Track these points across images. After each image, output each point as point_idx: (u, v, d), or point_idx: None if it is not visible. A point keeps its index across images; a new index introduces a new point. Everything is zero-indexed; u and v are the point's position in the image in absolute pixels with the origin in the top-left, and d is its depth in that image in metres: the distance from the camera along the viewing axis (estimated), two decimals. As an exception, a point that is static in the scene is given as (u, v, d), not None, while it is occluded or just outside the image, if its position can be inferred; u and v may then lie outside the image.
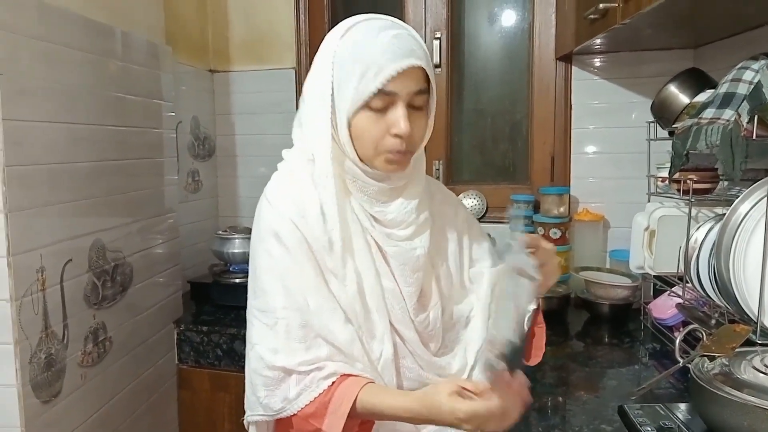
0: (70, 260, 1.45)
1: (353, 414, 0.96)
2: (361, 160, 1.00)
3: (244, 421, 1.08)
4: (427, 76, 0.99)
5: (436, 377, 1.09)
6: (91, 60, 1.53)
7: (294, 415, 0.98)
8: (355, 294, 1.02)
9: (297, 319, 0.99)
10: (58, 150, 1.41)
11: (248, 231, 2.17)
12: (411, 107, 0.98)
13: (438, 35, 2.35)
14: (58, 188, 1.41)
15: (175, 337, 1.96)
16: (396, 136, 0.97)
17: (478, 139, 2.48)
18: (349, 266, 1.02)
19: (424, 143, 1.06)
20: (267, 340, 1.00)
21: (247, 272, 1.98)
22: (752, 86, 1.30)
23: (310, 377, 0.98)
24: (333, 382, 0.98)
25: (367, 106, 0.96)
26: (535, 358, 1.14)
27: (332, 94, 0.98)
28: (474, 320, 1.14)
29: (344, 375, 0.99)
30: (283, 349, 0.99)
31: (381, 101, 0.95)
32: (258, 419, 1.04)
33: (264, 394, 1.00)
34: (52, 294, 1.39)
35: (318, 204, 1.01)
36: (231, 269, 2.15)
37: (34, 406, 1.33)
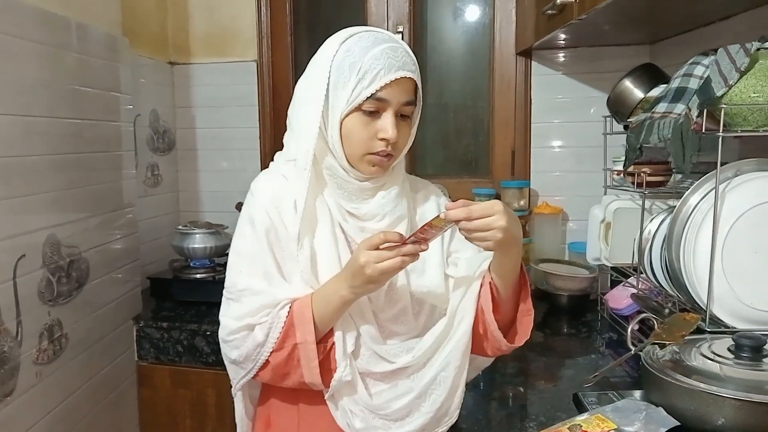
0: (23, 256, 1.41)
1: (315, 322, 1.05)
2: (347, 160, 1.07)
3: (233, 393, 1.18)
4: (416, 88, 1.08)
5: (389, 363, 1.10)
6: (45, 52, 1.50)
7: (271, 353, 1.06)
8: (314, 283, 1.08)
9: (257, 297, 1.08)
10: (11, 143, 1.38)
11: (209, 226, 2.15)
12: (399, 116, 1.07)
13: (400, 29, 2.36)
14: (11, 182, 1.38)
15: (135, 333, 1.93)
16: (383, 140, 1.05)
17: (441, 134, 2.50)
18: (305, 258, 1.07)
19: (406, 149, 1.14)
20: (231, 311, 1.10)
21: (208, 267, 1.99)
22: (702, 81, 1.33)
23: (269, 318, 1.06)
24: (289, 308, 1.07)
25: (359, 108, 1.04)
26: (518, 340, 1.14)
27: (326, 95, 1.05)
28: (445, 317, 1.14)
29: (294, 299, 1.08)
30: (245, 315, 1.08)
31: (373, 106, 1.04)
32: (242, 382, 1.13)
33: (236, 354, 1.09)
34: (5, 290, 1.36)
35: (292, 196, 1.08)
36: (192, 265, 2.13)
37: (-13, 405, 1.30)
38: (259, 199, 1.11)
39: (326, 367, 1.07)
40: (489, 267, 1.11)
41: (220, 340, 1.13)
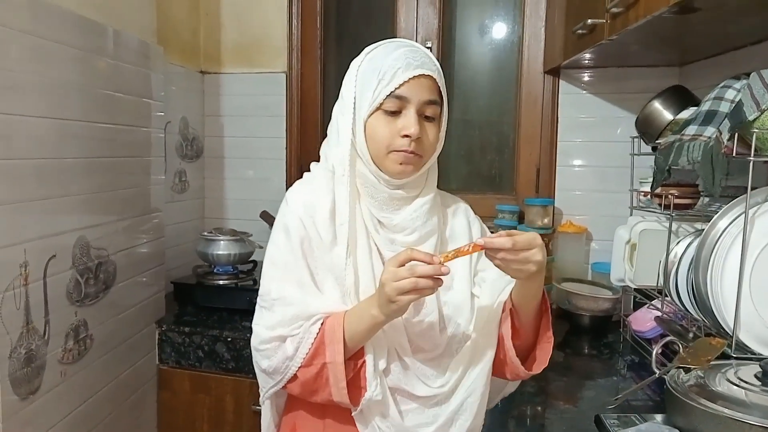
0: (54, 256, 1.44)
1: (345, 340, 1.04)
2: (373, 162, 1.09)
3: (260, 401, 1.19)
4: (439, 90, 1.10)
5: (420, 382, 1.11)
6: (81, 57, 1.53)
7: (299, 368, 1.06)
8: (350, 293, 1.08)
9: (290, 307, 1.08)
10: (46, 145, 1.41)
11: (233, 233, 2.17)
12: (423, 116, 1.08)
13: (429, 44, 2.37)
14: (45, 183, 1.41)
15: (157, 337, 1.95)
16: (405, 136, 1.06)
17: (465, 149, 2.51)
18: (349, 266, 1.08)
19: (436, 153, 1.14)
20: (263, 320, 1.11)
21: (231, 274, 2.01)
22: (734, 105, 1.33)
23: (301, 331, 1.07)
24: (321, 324, 1.07)
25: (381, 108, 1.07)
26: (536, 368, 1.14)
27: (354, 103, 1.09)
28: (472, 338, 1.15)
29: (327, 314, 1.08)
30: (277, 325, 1.08)
31: (393, 104, 1.06)
32: (270, 392, 1.14)
33: (267, 364, 1.10)
34: (35, 289, 1.38)
35: (328, 206, 1.10)
36: (215, 271, 2.15)
37: (13, 401, 1.32)
38: (293, 208, 1.12)
39: (356, 385, 1.07)
40: (511, 293, 1.11)
41: (252, 348, 1.13)
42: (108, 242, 1.67)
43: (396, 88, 1.05)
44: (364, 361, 1.07)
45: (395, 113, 1.07)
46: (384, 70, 1.06)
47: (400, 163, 1.08)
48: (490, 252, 0.98)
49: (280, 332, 1.08)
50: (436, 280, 0.96)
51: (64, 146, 1.47)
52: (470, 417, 1.11)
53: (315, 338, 1.06)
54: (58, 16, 1.44)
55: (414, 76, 1.05)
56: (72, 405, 1.55)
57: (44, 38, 1.39)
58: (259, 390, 1.17)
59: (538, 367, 1.14)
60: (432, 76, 1.07)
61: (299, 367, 1.06)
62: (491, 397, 1.18)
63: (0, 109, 1.25)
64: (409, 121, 1.06)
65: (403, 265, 0.97)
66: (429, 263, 0.96)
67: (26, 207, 1.34)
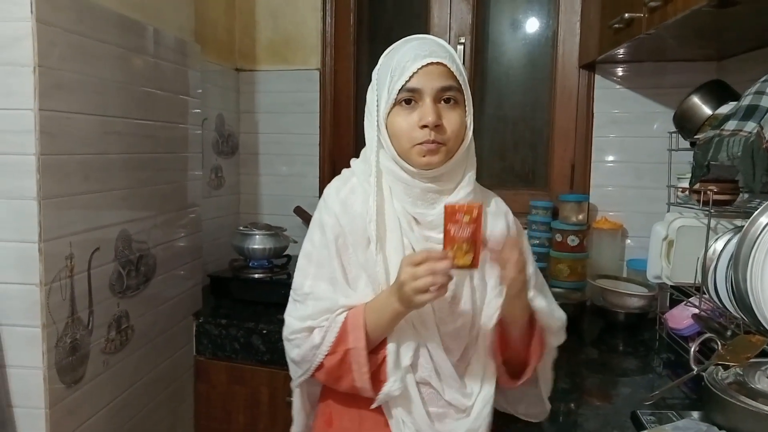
0: (98, 249, 1.48)
1: (367, 331, 1.08)
2: (401, 157, 1.09)
3: (291, 387, 1.25)
4: (456, 77, 1.08)
5: (449, 386, 1.13)
6: (123, 55, 1.57)
7: (325, 356, 1.10)
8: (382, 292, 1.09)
9: (320, 302, 1.12)
10: (90, 142, 1.45)
11: (268, 228, 2.20)
12: (442, 103, 1.08)
13: (462, 40, 2.37)
14: (90, 179, 1.45)
15: (194, 329, 1.99)
16: (423, 127, 1.05)
17: (498, 145, 2.50)
18: (379, 263, 1.09)
19: (466, 142, 1.12)
20: (295, 312, 1.16)
21: (266, 268, 2.04)
22: (775, 99, 1.31)
23: (327, 322, 1.11)
24: (346, 315, 1.11)
25: (397, 103, 1.08)
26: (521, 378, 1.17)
27: (377, 104, 1.11)
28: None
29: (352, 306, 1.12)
30: (307, 317, 1.13)
31: (407, 96, 1.07)
32: (300, 380, 1.19)
33: (296, 353, 1.14)
34: (80, 281, 1.43)
35: (363, 203, 1.12)
36: (250, 265, 2.18)
37: (59, 389, 1.37)
38: (329, 204, 1.15)
39: (378, 378, 1.10)
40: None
41: (283, 338, 1.17)
42: (148, 236, 1.71)
43: (407, 81, 1.05)
44: (386, 356, 1.10)
45: (412, 106, 1.07)
46: (394, 65, 1.07)
47: (424, 156, 1.07)
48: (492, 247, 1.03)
49: (310, 324, 1.12)
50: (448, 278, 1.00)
51: (107, 143, 1.51)
52: (484, 425, 1.15)
53: (340, 327, 1.09)
54: (101, 15, 1.48)
55: (423, 65, 1.05)
56: (113, 394, 1.59)
57: (88, 37, 1.43)
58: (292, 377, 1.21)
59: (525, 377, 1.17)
60: (443, 63, 1.07)
61: (325, 356, 1.10)
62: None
63: (47, 107, 1.29)
64: (425, 111, 1.06)
65: (419, 265, 0.99)
66: (444, 259, 0.99)
67: (72, 201, 1.39)
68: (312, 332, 1.11)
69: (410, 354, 1.10)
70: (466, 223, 0.98)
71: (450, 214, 0.99)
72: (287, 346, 1.17)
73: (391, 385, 1.08)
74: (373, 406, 1.11)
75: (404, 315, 1.07)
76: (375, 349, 1.11)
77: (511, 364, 1.16)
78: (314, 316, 1.12)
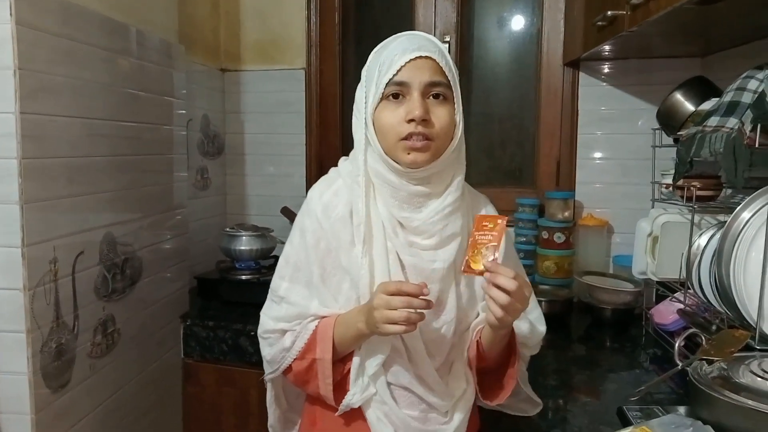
0: (82, 252, 1.47)
1: (334, 342, 1.10)
2: (387, 155, 1.07)
3: (264, 381, 1.28)
4: (444, 72, 1.06)
5: (434, 392, 1.13)
6: (107, 57, 1.56)
7: (293, 360, 1.14)
8: (365, 296, 1.08)
9: (294, 307, 1.15)
10: (74, 144, 1.44)
11: (255, 229, 2.19)
12: (431, 98, 1.06)
13: (447, 39, 2.37)
14: (74, 182, 1.44)
15: (182, 331, 1.98)
16: (410, 120, 1.03)
17: (485, 143, 2.51)
18: (364, 268, 1.08)
19: (455, 140, 1.10)
20: (271, 311, 1.19)
21: (253, 269, 2.04)
22: (756, 95, 1.32)
23: (299, 327, 1.14)
24: (317, 324, 1.13)
25: (384, 97, 1.06)
26: (498, 400, 1.17)
27: (365, 100, 1.09)
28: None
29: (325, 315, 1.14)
30: (281, 319, 1.16)
31: (394, 90, 1.05)
32: (271, 377, 1.22)
33: (268, 351, 1.19)
34: (64, 285, 1.41)
35: (347, 205, 1.10)
36: (238, 266, 2.17)
37: (44, 394, 1.36)
38: (312, 208, 1.14)
39: (344, 387, 1.12)
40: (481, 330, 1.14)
41: (258, 335, 1.20)
42: (134, 238, 1.70)
43: (395, 74, 1.04)
44: (350, 369, 1.12)
45: (400, 101, 1.05)
46: (383, 60, 1.06)
47: (409, 153, 1.05)
48: (491, 279, 1.00)
49: (282, 326, 1.15)
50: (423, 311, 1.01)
51: (91, 145, 1.50)
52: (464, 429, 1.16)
53: (310, 335, 1.12)
54: (85, 17, 1.47)
55: (411, 59, 1.03)
56: (101, 398, 1.58)
57: (72, 39, 1.42)
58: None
59: (501, 399, 1.16)
60: (432, 57, 1.05)
61: (294, 360, 1.13)
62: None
63: (32, 110, 1.28)
64: (412, 105, 1.03)
65: (394, 295, 0.99)
66: (419, 295, 0.99)
67: (55, 205, 1.37)
68: (284, 335, 1.15)
69: (377, 363, 1.10)
70: (489, 230, 1.04)
71: (478, 221, 1.06)
72: (261, 342, 1.21)
73: (350, 398, 1.12)
74: (337, 414, 1.14)
75: (367, 337, 1.08)
76: (344, 358, 1.13)
77: (485, 375, 1.18)
78: (287, 319, 1.15)
